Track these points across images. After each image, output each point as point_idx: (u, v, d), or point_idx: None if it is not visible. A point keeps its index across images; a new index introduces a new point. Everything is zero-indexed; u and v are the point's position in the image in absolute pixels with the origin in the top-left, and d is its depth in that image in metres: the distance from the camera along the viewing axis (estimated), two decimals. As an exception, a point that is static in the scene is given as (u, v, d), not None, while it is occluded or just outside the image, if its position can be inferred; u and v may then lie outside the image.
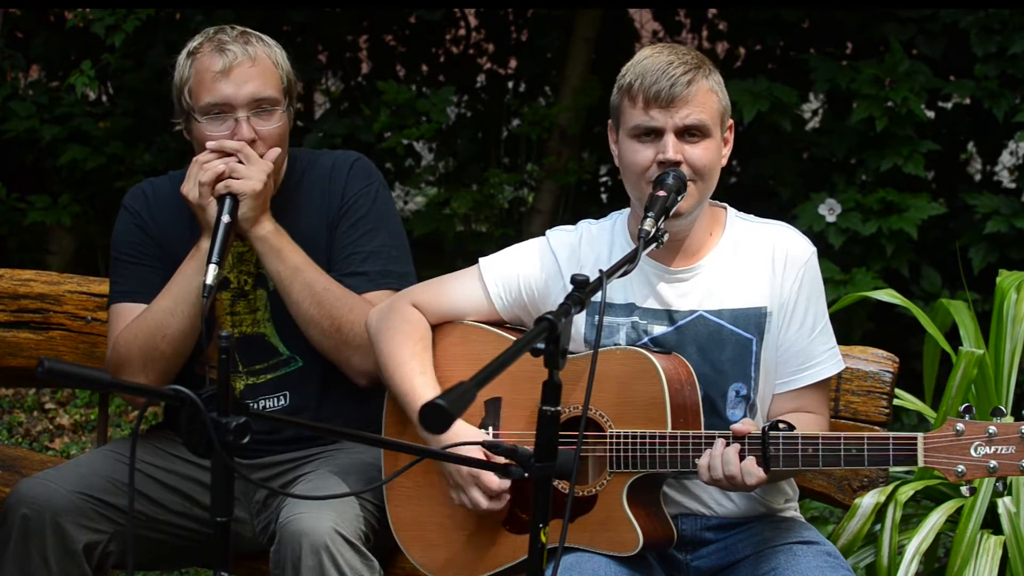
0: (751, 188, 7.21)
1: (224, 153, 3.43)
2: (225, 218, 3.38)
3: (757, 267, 3.18)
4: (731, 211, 3.27)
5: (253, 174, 3.40)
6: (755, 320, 3.16)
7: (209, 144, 3.45)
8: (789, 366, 3.19)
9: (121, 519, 3.37)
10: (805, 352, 3.18)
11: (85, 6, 6.98)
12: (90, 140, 7.40)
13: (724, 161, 3.19)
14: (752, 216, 3.28)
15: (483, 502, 3.15)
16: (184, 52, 3.50)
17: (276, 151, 3.47)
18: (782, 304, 3.16)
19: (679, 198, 3.05)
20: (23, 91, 7.67)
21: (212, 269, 3.32)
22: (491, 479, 3.13)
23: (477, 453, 3.01)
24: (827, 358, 3.21)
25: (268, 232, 3.46)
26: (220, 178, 3.41)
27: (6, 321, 4.15)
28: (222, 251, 3.35)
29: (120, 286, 3.64)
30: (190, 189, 3.44)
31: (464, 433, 3.14)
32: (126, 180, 7.38)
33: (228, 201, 3.40)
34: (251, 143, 3.44)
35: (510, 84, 8.36)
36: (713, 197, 3.21)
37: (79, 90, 6.74)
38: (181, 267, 3.48)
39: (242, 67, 3.44)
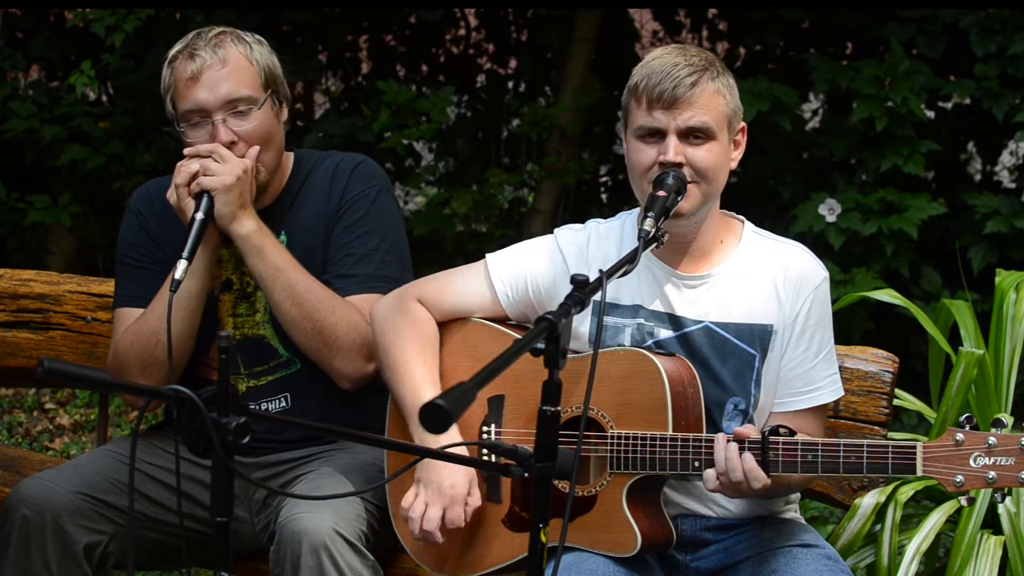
0: (751, 188, 7.21)
1: (201, 156, 3.44)
2: (199, 215, 3.39)
3: (767, 284, 3.17)
4: (748, 225, 3.26)
5: (224, 170, 3.40)
6: (760, 336, 3.15)
7: (186, 151, 3.47)
8: (789, 388, 3.18)
9: (121, 519, 3.37)
10: (806, 376, 3.18)
11: (85, 6, 6.98)
12: (90, 140, 7.40)
13: (734, 164, 3.17)
14: (769, 233, 3.27)
15: (459, 520, 3.17)
16: (167, 60, 3.52)
17: (256, 149, 3.46)
18: (788, 325, 3.15)
19: (679, 198, 3.05)
20: (23, 91, 7.68)
21: (181, 264, 3.33)
22: (459, 512, 3.16)
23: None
24: (827, 384, 3.20)
25: (249, 231, 3.45)
26: (196, 177, 3.42)
27: (6, 321, 4.15)
28: (193, 248, 3.36)
29: (123, 289, 3.65)
30: (171, 194, 3.45)
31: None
32: (126, 180, 7.40)
33: (204, 199, 3.41)
34: (232, 145, 3.44)
35: (510, 84, 8.37)
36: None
37: (79, 90, 6.75)
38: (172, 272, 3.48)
39: (211, 70, 3.43)
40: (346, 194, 3.58)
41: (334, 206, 3.57)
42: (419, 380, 3.22)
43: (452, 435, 3.14)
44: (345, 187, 3.58)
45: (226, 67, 3.45)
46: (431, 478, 3.17)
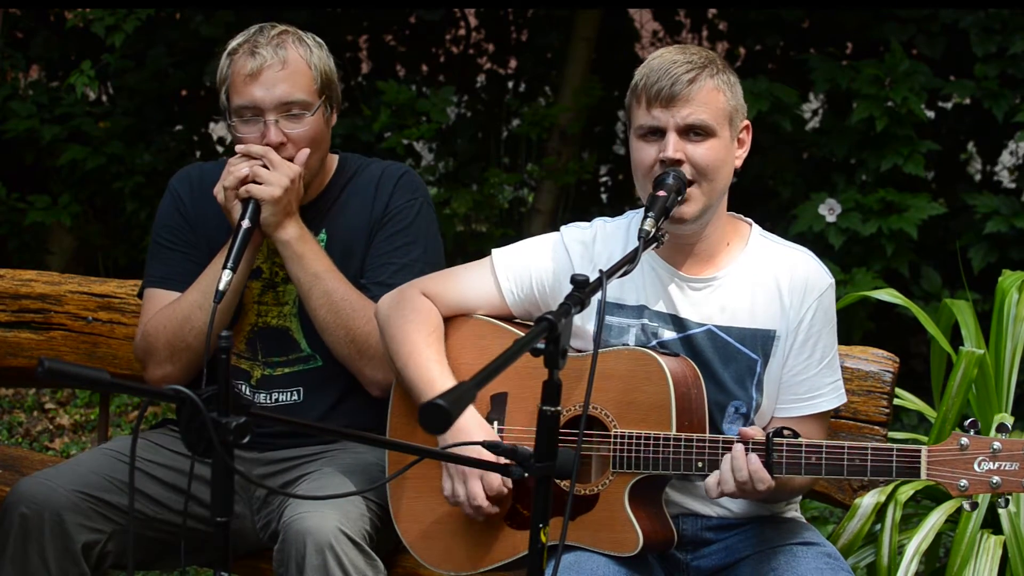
0: (751, 188, 7.21)
1: (252, 157, 3.44)
2: (245, 223, 3.40)
3: (772, 289, 3.16)
4: (756, 228, 3.26)
5: (274, 180, 3.41)
6: (763, 342, 3.15)
7: (238, 148, 3.48)
8: (792, 394, 3.18)
9: (120, 518, 3.37)
10: (810, 382, 3.17)
11: (85, 6, 6.98)
12: (90, 140, 7.40)
13: (738, 163, 3.18)
14: (776, 237, 3.26)
15: (481, 497, 3.14)
16: (226, 51, 3.52)
17: (306, 152, 3.48)
18: (791, 331, 3.15)
19: (679, 198, 3.05)
20: (23, 91, 7.67)
21: (226, 275, 3.33)
22: (495, 477, 3.12)
23: (478, 448, 3.02)
24: (830, 391, 3.20)
25: (291, 237, 3.46)
26: (245, 181, 3.43)
27: (7, 321, 4.16)
28: (238, 257, 3.36)
29: (155, 270, 3.66)
30: (218, 191, 3.46)
31: (470, 425, 3.13)
32: (126, 180, 7.40)
33: (250, 206, 3.42)
34: (280, 146, 3.45)
35: (510, 84, 8.36)
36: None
37: (79, 90, 6.75)
38: (213, 262, 3.49)
39: (271, 70, 3.44)
40: (391, 203, 3.59)
41: (378, 213, 3.59)
42: (430, 362, 3.21)
43: (463, 424, 3.13)
44: (391, 196, 3.60)
45: (285, 68, 3.45)
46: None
